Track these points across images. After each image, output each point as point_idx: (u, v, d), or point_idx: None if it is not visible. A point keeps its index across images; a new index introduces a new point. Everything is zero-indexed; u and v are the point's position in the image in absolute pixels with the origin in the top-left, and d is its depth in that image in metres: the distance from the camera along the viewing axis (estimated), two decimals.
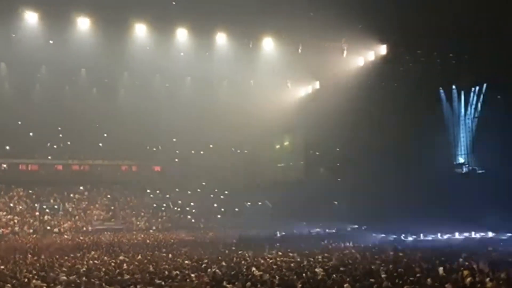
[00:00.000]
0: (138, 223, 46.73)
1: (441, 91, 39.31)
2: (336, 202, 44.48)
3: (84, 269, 17.65)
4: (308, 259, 18.25)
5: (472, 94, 37.97)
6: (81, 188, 49.23)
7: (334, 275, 13.49)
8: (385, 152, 37.33)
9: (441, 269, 13.07)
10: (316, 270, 14.78)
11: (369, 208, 37.47)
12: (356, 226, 40.95)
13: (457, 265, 15.03)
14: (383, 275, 13.22)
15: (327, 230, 40.71)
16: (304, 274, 14.03)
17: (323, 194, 43.89)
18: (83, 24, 33.31)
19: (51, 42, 34.45)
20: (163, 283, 13.48)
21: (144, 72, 40.47)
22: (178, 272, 15.32)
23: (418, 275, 12.89)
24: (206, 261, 18.28)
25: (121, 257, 21.00)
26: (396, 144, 36.72)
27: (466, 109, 38.61)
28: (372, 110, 38.12)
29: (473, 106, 37.97)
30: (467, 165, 38.19)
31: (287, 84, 45.11)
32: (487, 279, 11.68)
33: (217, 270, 15.60)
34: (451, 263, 15.51)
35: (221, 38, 36.08)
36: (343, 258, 18.89)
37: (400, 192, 34.31)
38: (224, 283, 12.73)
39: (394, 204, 34.42)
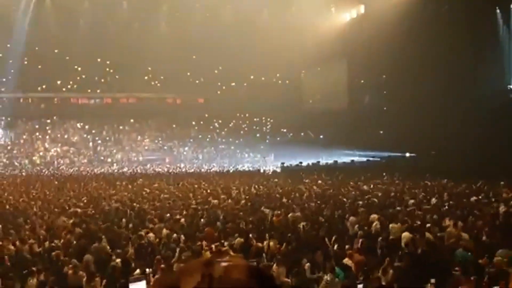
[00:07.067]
0: (185, 153, 48.39)
1: (498, 11, 36.50)
2: (381, 132, 43.74)
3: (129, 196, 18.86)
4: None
5: None
6: (132, 120, 50.96)
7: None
8: (434, 78, 35.81)
9: None
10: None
11: (418, 136, 36.66)
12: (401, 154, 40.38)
13: None
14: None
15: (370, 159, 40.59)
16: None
17: (369, 123, 43.19)
18: None
19: None
20: (199, 207, 14.91)
21: (185, 2, 39.96)
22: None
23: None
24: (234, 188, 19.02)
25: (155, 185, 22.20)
26: (446, 68, 34.99)
27: None
28: (421, 34, 36.18)
29: None
30: None
31: (331, 8, 43.34)
32: None
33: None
34: None
35: None
36: None
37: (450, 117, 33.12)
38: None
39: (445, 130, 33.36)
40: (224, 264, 1.05)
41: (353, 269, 7.82)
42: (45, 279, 8.70)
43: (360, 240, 9.31)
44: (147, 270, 8.77)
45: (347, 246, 9.02)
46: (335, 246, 9.28)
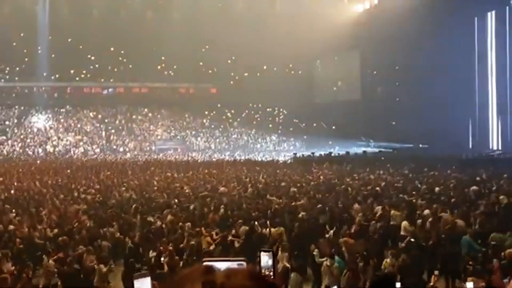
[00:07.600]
0: (197, 143, 48.68)
1: None
2: (394, 123, 43.47)
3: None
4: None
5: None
6: (146, 110, 51.36)
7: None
8: (447, 69, 35.46)
9: None
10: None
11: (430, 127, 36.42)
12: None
13: None
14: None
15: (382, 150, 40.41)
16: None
17: (382, 114, 42.93)
18: None
19: None
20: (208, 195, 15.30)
21: None
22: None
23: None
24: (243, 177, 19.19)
25: (168, 174, 22.41)
26: (460, 60, 34.60)
27: None
28: (435, 25, 35.76)
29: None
30: None
31: None
32: None
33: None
34: None
35: None
36: None
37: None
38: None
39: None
40: (224, 270, 1.04)
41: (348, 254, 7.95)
42: (64, 257, 8.96)
43: (354, 226, 9.52)
44: (162, 259, 8.90)
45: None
46: (335, 233, 9.44)
